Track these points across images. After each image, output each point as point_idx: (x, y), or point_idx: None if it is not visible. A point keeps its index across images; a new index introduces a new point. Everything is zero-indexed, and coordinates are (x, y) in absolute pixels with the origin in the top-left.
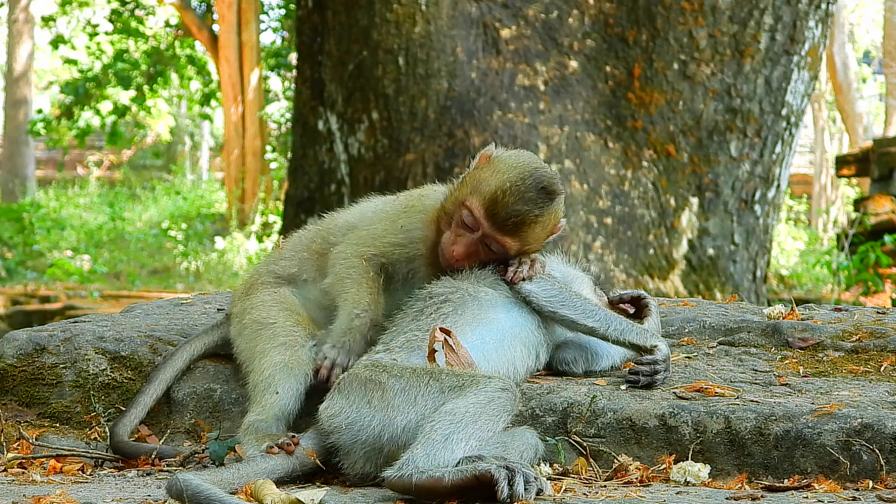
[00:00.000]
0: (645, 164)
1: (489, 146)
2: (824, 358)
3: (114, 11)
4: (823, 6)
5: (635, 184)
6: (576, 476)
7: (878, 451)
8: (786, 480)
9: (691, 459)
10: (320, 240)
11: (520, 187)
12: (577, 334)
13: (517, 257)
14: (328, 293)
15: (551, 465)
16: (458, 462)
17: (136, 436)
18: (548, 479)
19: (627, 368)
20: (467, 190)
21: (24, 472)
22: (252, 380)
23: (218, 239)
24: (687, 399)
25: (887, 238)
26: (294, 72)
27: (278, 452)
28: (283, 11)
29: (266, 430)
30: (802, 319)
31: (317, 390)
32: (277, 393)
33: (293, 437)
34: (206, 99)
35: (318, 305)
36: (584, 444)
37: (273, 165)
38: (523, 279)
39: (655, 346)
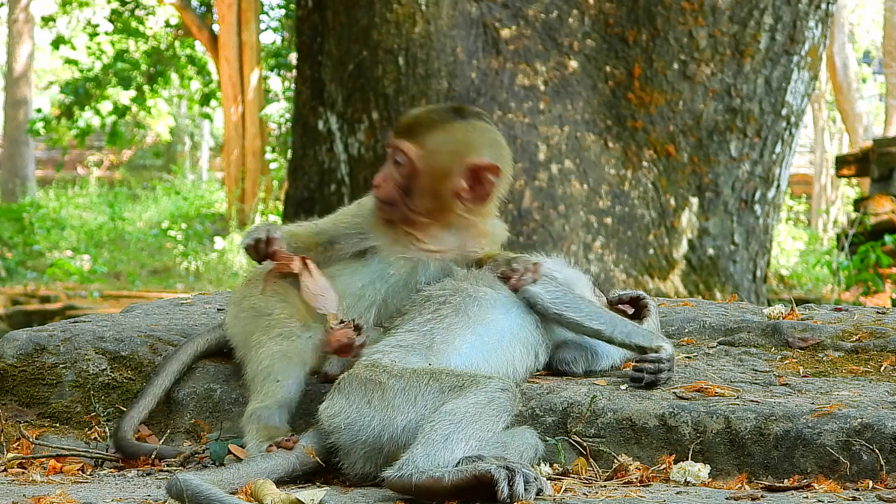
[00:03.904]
0: (645, 164)
1: None
2: (824, 358)
3: (114, 11)
4: (823, 6)
5: (635, 184)
6: (576, 476)
7: (878, 451)
8: (786, 480)
9: (691, 459)
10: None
11: (432, 106)
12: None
13: (508, 264)
14: None
15: (551, 465)
16: (458, 462)
17: (136, 436)
18: (548, 479)
19: (629, 368)
20: None
21: (24, 472)
22: (251, 370)
23: (218, 239)
24: (687, 399)
25: (887, 238)
26: (294, 72)
27: (278, 451)
28: (283, 11)
29: (269, 418)
30: (802, 319)
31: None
32: (278, 381)
33: (291, 435)
34: (206, 99)
35: None
36: (584, 444)
37: (273, 165)
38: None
39: (660, 347)
